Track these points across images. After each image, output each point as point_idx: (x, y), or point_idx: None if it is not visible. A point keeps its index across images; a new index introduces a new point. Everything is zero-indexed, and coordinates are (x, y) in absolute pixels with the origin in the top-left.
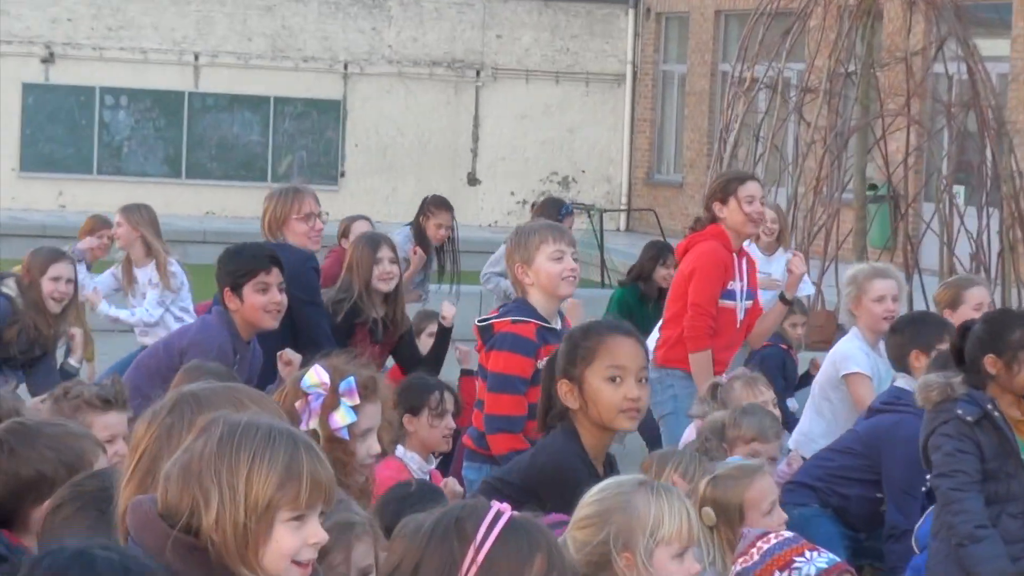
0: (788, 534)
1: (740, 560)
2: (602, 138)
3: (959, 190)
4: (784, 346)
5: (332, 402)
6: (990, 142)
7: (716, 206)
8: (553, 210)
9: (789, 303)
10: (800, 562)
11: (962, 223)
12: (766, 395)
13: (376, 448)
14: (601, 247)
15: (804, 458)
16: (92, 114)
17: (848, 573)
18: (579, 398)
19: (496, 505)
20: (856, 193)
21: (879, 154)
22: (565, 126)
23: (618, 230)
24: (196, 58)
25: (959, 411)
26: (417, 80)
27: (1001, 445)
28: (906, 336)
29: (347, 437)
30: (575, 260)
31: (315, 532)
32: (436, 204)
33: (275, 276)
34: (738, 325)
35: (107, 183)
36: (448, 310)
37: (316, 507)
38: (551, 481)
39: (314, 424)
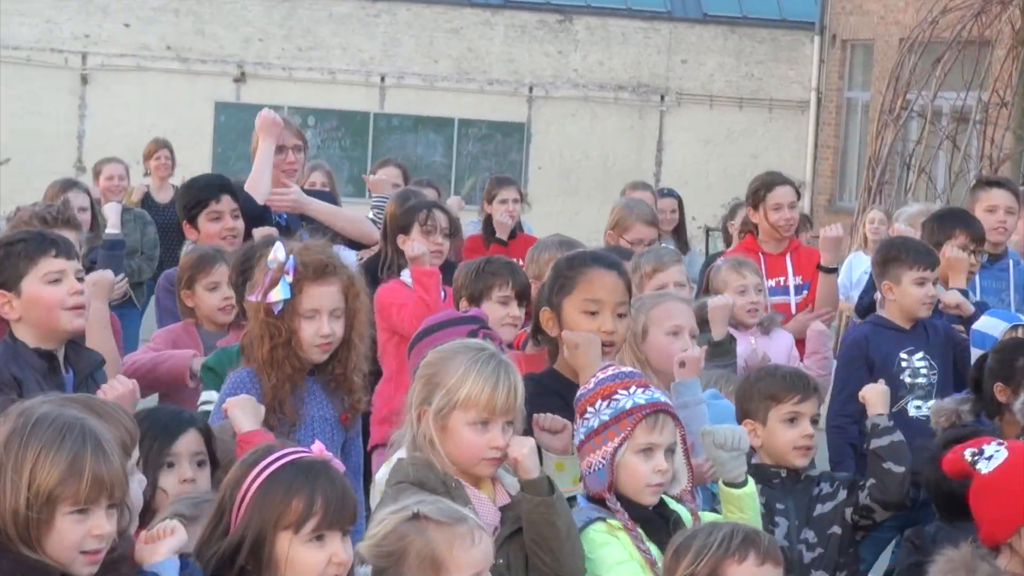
0: (628, 369)
1: (584, 386)
2: (785, 164)
3: None
4: None
5: (277, 278)
6: None
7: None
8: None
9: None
10: (621, 395)
11: None
12: (749, 279)
13: (326, 330)
14: None
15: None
16: None
17: (665, 413)
18: (557, 326)
19: (284, 451)
20: None
21: None
22: (748, 152)
23: None
24: (382, 79)
25: None
26: (602, 104)
27: None
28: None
29: (279, 311)
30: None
31: (98, 525)
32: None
33: (226, 203)
34: None
35: None
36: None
37: (99, 502)
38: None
39: (259, 297)
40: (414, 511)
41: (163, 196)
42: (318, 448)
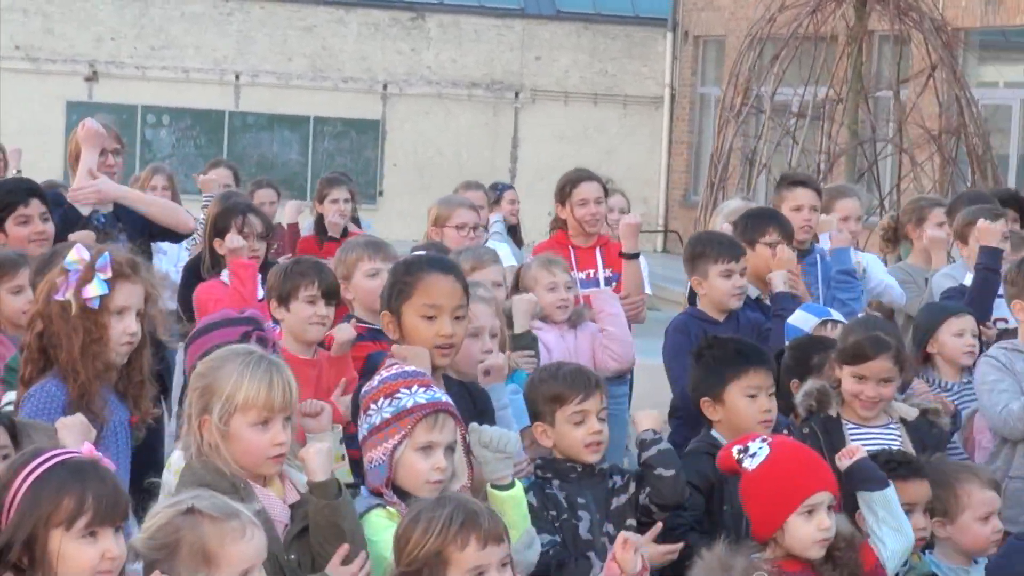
0: (411, 369)
1: (367, 383)
2: (639, 160)
3: None
4: None
5: (88, 276)
6: (974, 168)
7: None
8: (489, 191)
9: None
10: (403, 393)
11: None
12: (559, 277)
13: (133, 328)
14: None
15: None
16: (134, 132)
17: (446, 413)
18: (398, 330)
19: (51, 452)
20: None
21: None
22: (603, 148)
23: (655, 251)
24: (237, 77)
25: None
26: (456, 101)
27: None
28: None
29: (96, 306)
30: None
31: None
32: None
33: (35, 207)
34: None
35: None
36: None
37: None
38: None
39: (69, 295)
40: (188, 505)
41: None
42: (87, 449)
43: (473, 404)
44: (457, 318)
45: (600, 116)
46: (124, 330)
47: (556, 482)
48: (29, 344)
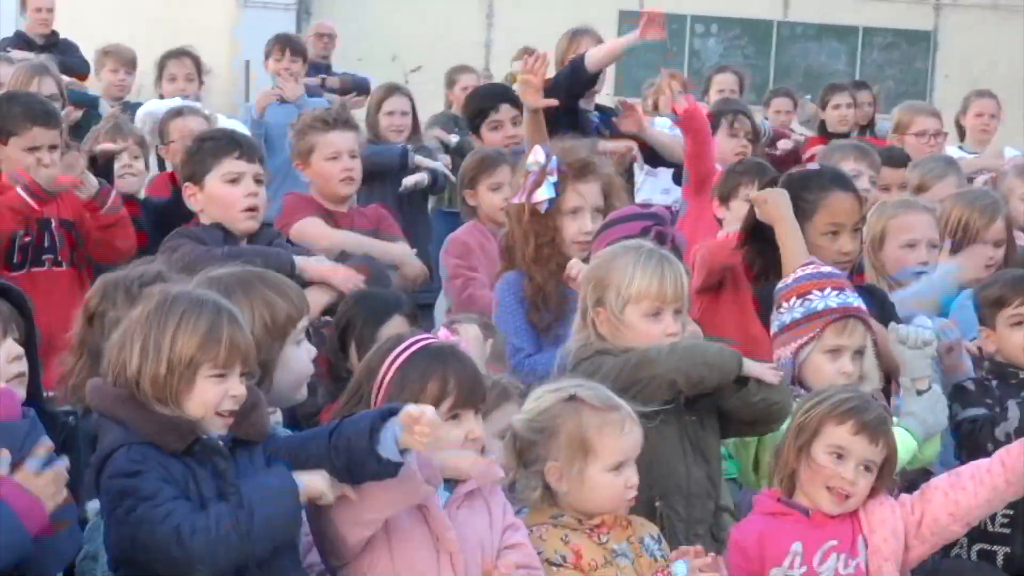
0: (828, 269)
1: (783, 280)
2: None
3: None
4: None
5: (540, 179)
6: None
7: None
8: None
9: None
10: (814, 295)
11: None
12: None
13: (588, 227)
14: None
15: None
16: (683, 42)
17: (856, 318)
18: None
19: (413, 339)
20: None
21: None
22: None
23: None
24: None
25: None
26: (1011, 11)
27: None
28: None
29: (544, 210)
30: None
31: (234, 387)
32: None
33: (505, 112)
34: None
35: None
36: None
37: (234, 367)
38: None
39: (523, 199)
40: (571, 393)
41: None
42: (444, 334)
43: (873, 301)
44: (855, 231)
45: None
46: (579, 229)
47: (995, 382)
48: (501, 246)
